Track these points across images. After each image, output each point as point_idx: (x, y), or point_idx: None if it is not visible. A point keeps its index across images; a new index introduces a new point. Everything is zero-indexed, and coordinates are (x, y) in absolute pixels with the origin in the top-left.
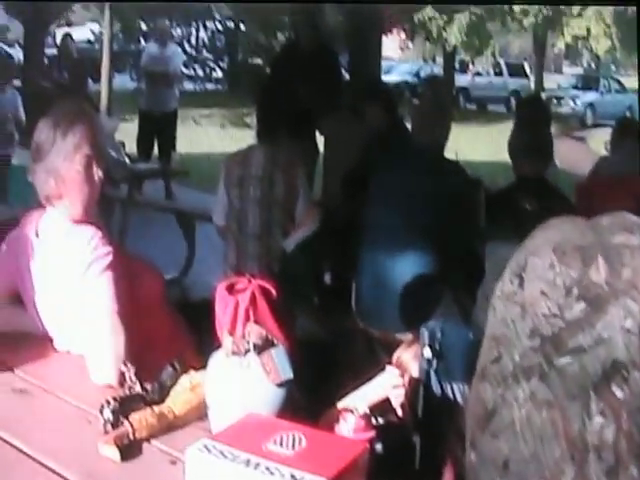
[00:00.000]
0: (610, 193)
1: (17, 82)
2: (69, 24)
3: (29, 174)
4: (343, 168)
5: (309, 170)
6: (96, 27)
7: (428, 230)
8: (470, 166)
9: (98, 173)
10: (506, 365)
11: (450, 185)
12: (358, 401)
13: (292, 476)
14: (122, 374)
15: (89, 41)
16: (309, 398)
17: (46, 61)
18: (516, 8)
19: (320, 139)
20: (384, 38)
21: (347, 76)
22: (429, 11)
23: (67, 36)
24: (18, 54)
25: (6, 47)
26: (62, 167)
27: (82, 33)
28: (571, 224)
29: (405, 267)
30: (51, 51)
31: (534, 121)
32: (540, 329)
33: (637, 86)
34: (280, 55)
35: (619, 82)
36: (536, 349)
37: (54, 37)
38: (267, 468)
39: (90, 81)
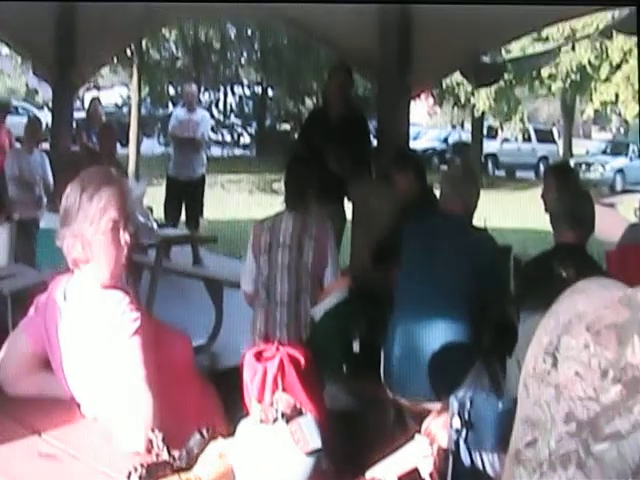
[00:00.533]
0: None
1: (45, 145)
2: (97, 88)
3: (57, 238)
4: (371, 235)
5: (338, 237)
6: (124, 91)
7: (457, 298)
8: (499, 233)
9: (125, 237)
10: (541, 450)
11: (479, 252)
12: (387, 470)
13: None
14: (150, 441)
15: (117, 105)
16: (338, 467)
17: (74, 125)
18: (544, 73)
19: (348, 205)
20: (412, 103)
21: (375, 142)
22: (457, 76)
23: (95, 100)
24: (46, 117)
25: (35, 110)
26: (88, 231)
27: (110, 97)
28: (601, 291)
29: (434, 335)
30: (79, 115)
31: (573, 188)
32: (576, 413)
33: None
34: (308, 121)
35: None
36: (572, 434)
37: (82, 101)
38: None
39: (118, 145)
